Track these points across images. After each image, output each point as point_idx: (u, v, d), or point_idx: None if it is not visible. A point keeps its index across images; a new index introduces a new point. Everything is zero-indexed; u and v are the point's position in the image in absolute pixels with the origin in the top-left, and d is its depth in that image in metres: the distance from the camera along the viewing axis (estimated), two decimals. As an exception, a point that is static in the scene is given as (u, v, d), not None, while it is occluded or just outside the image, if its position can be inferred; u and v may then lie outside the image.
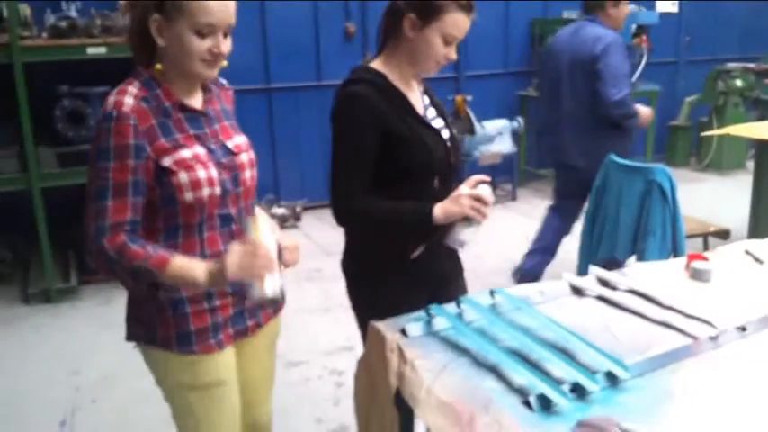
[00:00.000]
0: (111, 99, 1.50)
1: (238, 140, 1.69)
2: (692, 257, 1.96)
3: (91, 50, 3.97)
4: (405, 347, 1.54)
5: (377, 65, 1.88)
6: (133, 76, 1.57)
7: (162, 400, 1.74)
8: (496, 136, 5.82)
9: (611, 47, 3.52)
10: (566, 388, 1.34)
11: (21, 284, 4.32)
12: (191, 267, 1.50)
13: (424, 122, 1.88)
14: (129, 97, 1.49)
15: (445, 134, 1.93)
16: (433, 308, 1.65)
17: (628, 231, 3.14)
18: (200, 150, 1.57)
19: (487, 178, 1.84)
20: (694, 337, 1.54)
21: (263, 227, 1.54)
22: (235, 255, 1.46)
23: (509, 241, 4.80)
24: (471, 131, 5.60)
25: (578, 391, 1.34)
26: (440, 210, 1.78)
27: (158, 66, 1.55)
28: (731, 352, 1.53)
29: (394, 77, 1.86)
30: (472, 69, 6.12)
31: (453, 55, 1.85)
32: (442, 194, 1.86)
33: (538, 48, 6.33)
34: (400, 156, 1.82)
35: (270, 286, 1.48)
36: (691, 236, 3.25)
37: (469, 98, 5.72)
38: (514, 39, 6.37)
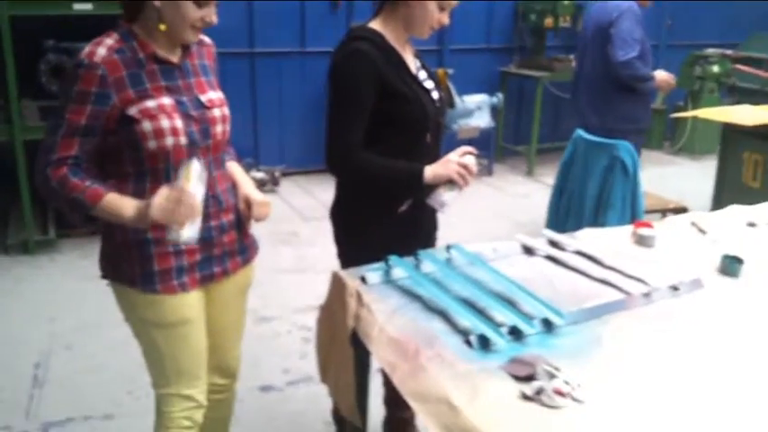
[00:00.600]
0: (86, 48, 1.58)
1: (213, 96, 1.76)
2: (638, 225, 2.10)
3: (77, 6, 3.99)
4: (363, 293, 1.66)
5: (374, 25, 1.97)
6: (113, 28, 1.64)
7: (137, 348, 1.83)
8: (476, 110, 5.92)
9: (625, 13, 3.74)
10: (504, 330, 1.47)
11: (0, 235, 4.39)
12: (120, 204, 1.59)
13: (417, 81, 2.00)
14: (102, 48, 1.57)
15: (435, 95, 2.05)
16: (392, 259, 1.77)
17: (592, 204, 3.28)
18: (167, 101, 1.64)
19: (474, 150, 1.98)
20: (628, 293, 1.68)
21: (195, 176, 1.59)
22: (161, 198, 1.54)
23: (481, 215, 4.94)
24: (451, 104, 5.69)
25: (516, 333, 1.47)
26: (429, 171, 1.91)
27: (162, 26, 1.60)
28: (662, 308, 1.67)
29: (390, 38, 1.95)
30: (455, 43, 6.19)
31: (446, 20, 1.95)
32: (434, 150, 2.00)
33: (521, 24, 6.42)
34: (398, 110, 1.92)
35: (187, 233, 1.56)
36: (650, 211, 3.39)
37: (451, 71, 5.80)
38: (498, 15, 6.42)
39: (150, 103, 1.61)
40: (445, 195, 1.91)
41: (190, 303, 1.77)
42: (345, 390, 1.72)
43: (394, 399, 2.23)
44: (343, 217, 2.09)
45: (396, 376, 1.41)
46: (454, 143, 5.45)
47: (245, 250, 1.88)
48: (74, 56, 4.10)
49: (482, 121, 5.96)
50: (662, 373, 1.39)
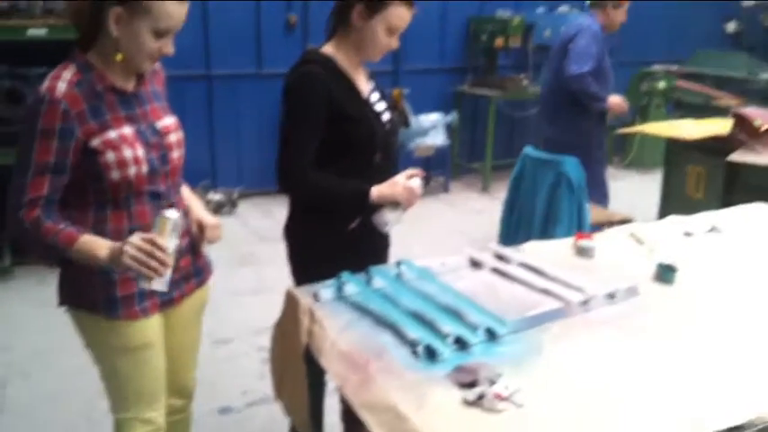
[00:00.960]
0: (46, 83, 1.59)
1: (167, 121, 1.80)
2: (579, 237, 2.20)
3: (31, 31, 3.98)
4: (315, 309, 1.72)
5: (327, 50, 2.06)
6: (69, 59, 1.66)
7: (95, 374, 1.84)
8: (431, 129, 6.04)
9: (584, 30, 3.99)
10: (450, 341, 1.54)
11: (-47, 264, 4.32)
12: (94, 246, 1.59)
13: (367, 104, 2.08)
14: (62, 83, 1.58)
15: (386, 116, 2.13)
16: (344, 275, 1.84)
17: (540, 219, 3.40)
18: (127, 131, 1.67)
19: (422, 173, 2.06)
20: (567, 302, 1.77)
21: (170, 229, 1.59)
22: (132, 247, 1.54)
23: (438, 231, 5.04)
24: (406, 124, 5.81)
25: (461, 343, 1.55)
26: (375, 191, 1.99)
27: (119, 56, 1.62)
28: (599, 314, 1.76)
29: (342, 62, 2.04)
30: (410, 64, 6.32)
31: (395, 44, 2.05)
32: (384, 168, 2.08)
33: (473, 45, 6.59)
34: (347, 131, 2.00)
35: (156, 285, 1.57)
36: (596, 224, 3.52)
37: (406, 91, 5.93)
38: (451, 36, 6.59)
39: (112, 134, 1.63)
40: (389, 215, 2.00)
41: (151, 327, 1.80)
42: (299, 405, 1.77)
43: (350, 415, 2.27)
44: (296, 235, 2.15)
45: (346, 388, 1.47)
46: (411, 161, 5.60)
47: (199, 272, 1.92)
48: (29, 81, 4.17)
49: (438, 139, 6.08)
50: (598, 376, 1.47)
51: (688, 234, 2.40)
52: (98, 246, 1.59)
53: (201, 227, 1.87)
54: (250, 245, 4.81)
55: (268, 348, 3.23)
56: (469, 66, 6.69)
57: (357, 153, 2.05)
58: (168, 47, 1.65)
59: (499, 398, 1.34)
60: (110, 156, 1.62)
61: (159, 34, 1.62)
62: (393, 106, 5.80)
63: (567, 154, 4.02)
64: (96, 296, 1.72)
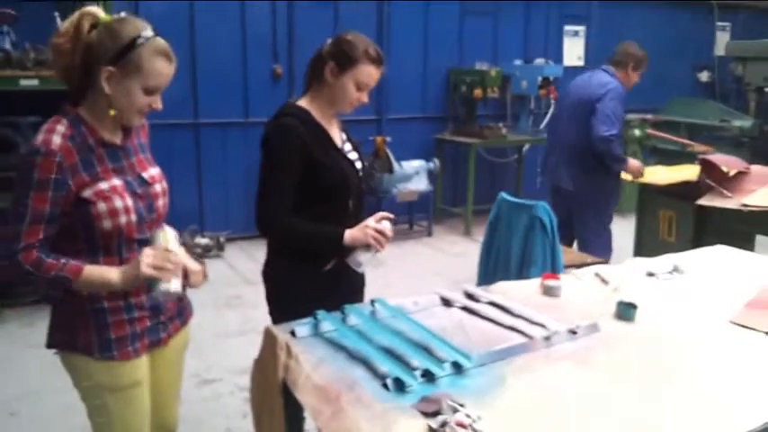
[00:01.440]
0: (41, 136, 1.67)
1: (153, 172, 1.90)
2: (546, 277, 2.32)
3: (24, 82, 4.13)
4: (292, 345, 1.82)
5: (302, 103, 2.21)
6: (61, 113, 1.75)
7: (82, 413, 1.90)
8: (414, 175, 6.20)
9: (612, 91, 4.19)
10: (417, 373, 1.64)
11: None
12: (103, 271, 1.72)
13: (341, 153, 2.22)
14: (57, 136, 1.68)
15: (358, 165, 2.27)
16: (320, 313, 1.94)
17: (516, 261, 3.51)
18: (117, 182, 1.77)
19: (391, 216, 2.19)
20: (531, 337, 1.87)
21: (172, 239, 1.79)
22: (148, 256, 1.70)
23: (421, 273, 5.15)
24: (390, 170, 5.97)
25: (428, 376, 1.64)
26: (348, 234, 2.12)
27: (112, 112, 1.73)
28: (561, 349, 1.86)
29: (317, 114, 2.19)
30: (393, 113, 6.52)
31: (365, 99, 2.20)
32: (357, 214, 2.23)
33: (453, 95, 6.81)
34: (321, 179, 2.14)
35: (174, 285, 1.75)
36: (569, 266, 3.64)
37: (389, 139, 6.11)
38: (432, 86, 6.82)
39: (103, 185, 1.73)
40: (362, 256, 2.13)
41: (141, 367, 1.89)
42: (278, 438, 1.85)
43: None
44: (274, 276, 2.26)
45: (320, 420, 1.56)
46: (395, 206, 5.74)
47: (182, 313, 2.02)
48: (20, 130, 4.29)
49: (420, 185, 6.24)
50: (557, 407, 1.57)
51: (651, 274, 2.52)
52: (107, 271, 1.72)
53: (186, 273, 1.97)
54: (236, 287, 4.90)
55: (249, 388, 3.35)
56: (450, 115, 6.91)
57: (332, 199, 2.18)
58: (157, 102, 1.77)
59: (461, 426, 1.43)
60: (101, 206, 1.72)
61: (149, 91, 1.73)
62: (376, 153, 5.98)
63: (584, 207, 4.40)
64: (90, 338, 1.80)
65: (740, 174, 4.07)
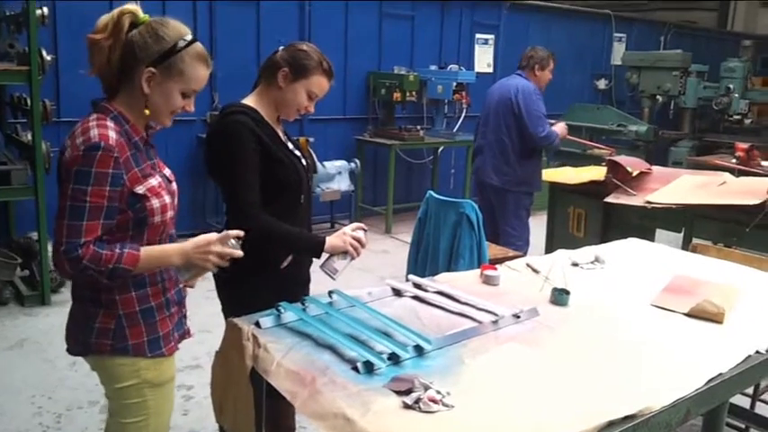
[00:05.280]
0: (96, 131, 1.65)
1: (168, 170, 1.92)
2: (485, 268, 2.49)
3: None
4: (258, 335, 1.89)
5: (249, 102, 2.25)
6: (102, 111, 1.72)
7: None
8: (336, 175, 6.31)
9: (525, 91, 4.61)
10: (384, 356, 1.76)
11: None
12: (161, 251, 1.75)
13: (290, 150, 2.29)
14: (112, 132, 1.67)
15: (303, 162, 2.35)
16: (283, 305, 2.01)
17: (444, 256, 3.69)
18: (160, 179, 1.80)
19: (365, 227, 2.29)
20: (480, 322, 2.03)
21: None
22: (208, 244, 1.76)
23: (348, 270, 5.22)
24: (314, 170, 6.05)
25: (394, 358, 1.76)
26: (328, 241, 2.19)
27: (147, 112, 1.73)
28: (508, 332, 2.03)
29: (264, 113, 2.24)
30: (314, 114, 6.56)
31: (312, 109, 2.29)
32: (306, 210, 2.32)
33: (372, 97, 6.97)
34: (277, 174, 2.19)
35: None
36: (493, 260, 3.86)
37: (312, 140, 6.18)
38: (353, 89, 6.95)
39: (153, 181, 1.75)
40: (337, 263, 2.22)
41: (174, 362, 1.96)
42: (246, 422, 1.91)
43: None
44: (229, 273, 2.29)
45: (297, 402, 1.64)
46: (318, 206, 5.81)
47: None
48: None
49: (343, 184, 6.36)
50: (511, 381, 1.73)
51: (575, 264, 2.74)
52: (163, 250, 1.76)
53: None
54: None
55: (188, 386, 3.36)
56: (369, 116, 7.06)
57: (287, 194, 2.25)
58: (191, 105, 1.79)
59: (433, 401, 1.55)
60: (154, 202, 1.74)
61: (187, 95, 1.76)
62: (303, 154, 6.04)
63: (505, 199, 4.80)
64: (142, 338, 1.81)
65: (643, 174, 4.43)
